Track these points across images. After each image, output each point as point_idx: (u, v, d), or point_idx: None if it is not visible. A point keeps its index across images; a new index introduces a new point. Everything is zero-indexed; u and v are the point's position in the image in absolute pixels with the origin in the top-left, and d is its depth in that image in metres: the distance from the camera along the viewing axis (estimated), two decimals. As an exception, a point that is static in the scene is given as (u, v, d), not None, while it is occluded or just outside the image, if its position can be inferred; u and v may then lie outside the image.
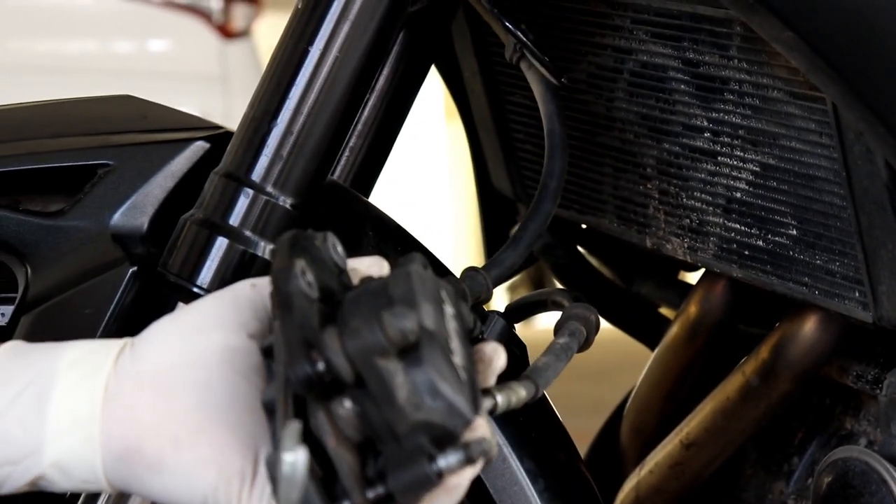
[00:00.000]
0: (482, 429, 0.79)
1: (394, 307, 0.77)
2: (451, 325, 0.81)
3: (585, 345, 0.95)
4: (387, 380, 0.76)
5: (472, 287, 0.94)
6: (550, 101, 1.07)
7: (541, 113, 1.06)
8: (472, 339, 0.85)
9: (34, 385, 0.82)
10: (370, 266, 0.86)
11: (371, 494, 0.76)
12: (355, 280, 0.84)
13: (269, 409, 0.78)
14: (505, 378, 0.87)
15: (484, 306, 1.04)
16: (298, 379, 0.75)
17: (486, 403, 0.83)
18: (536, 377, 0.89)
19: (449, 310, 0.82)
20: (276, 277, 0.79)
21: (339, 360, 0.75)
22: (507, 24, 1.08)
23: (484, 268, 0.98)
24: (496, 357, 0.85)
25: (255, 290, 0.85)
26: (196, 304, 0.84)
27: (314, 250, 0.82)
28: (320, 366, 0.75)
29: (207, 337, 0.82)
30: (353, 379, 0.76)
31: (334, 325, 0.78)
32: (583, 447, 1.47)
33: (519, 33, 1.07)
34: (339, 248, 0.84)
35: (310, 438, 0.76)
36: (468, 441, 0.77)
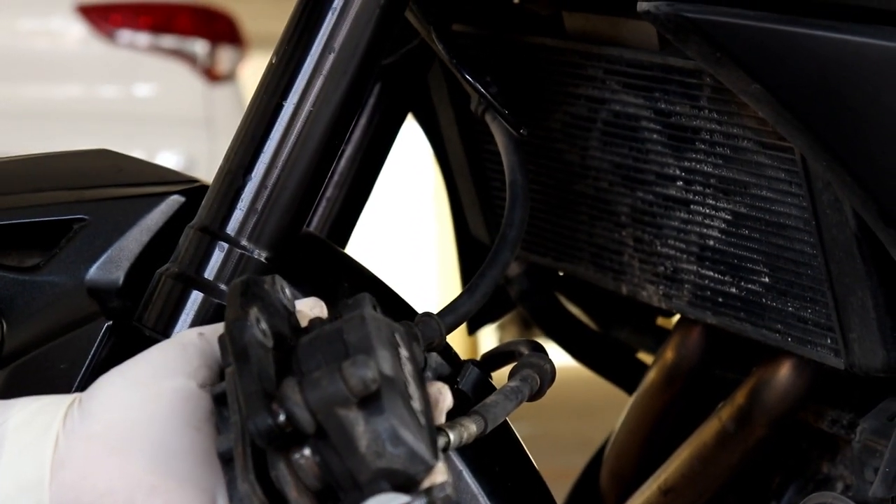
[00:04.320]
0: (442, 473, 0.79)
1: (352, 355, 0.77)
2: (408, 369, 0.81)
3: (538, 393, 0.95)
4: (348, 430, 0.76)
5: (426, 332, 0.94)
6: (513, 152, 1.07)
7: (503, 164, 1.06)
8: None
9: None
10: (312, 307, 0.86)
11: None
12: (303, 322, 0.84)
13: (225, 459, 0.78)
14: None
15: (460, 355, 1.05)
16: (259, 431, 0.75)
17: (440, 442, 0.84)
18: (485, 412, 0.89)
19: (404, 353, 0.82)
20: (231, 328, 0.79)
21: (301, 411, 0.75)
22: (468, 77, 1.08)
23: (439, 314, 0.98)
24: (441, 398, 0.85)
25: (202, 339, 0.83)
26: (143, 356, 0.83)
27: (265, 295, 0.82)
28: (281, 418, 0.75)
29: (156, 389, 0.81)
30: (314, 430, 0.76)
31: (293, 375, 0.78)
32: (570, 486, 1.47)
33: (479, 86, 1.08)
34: (288, 291, 0.84)
35: (268, 487, 0.76)
36: (430, 486, 0.77)
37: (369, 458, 0.76)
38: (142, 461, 0.80)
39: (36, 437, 0.81)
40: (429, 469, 0.78)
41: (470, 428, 0.87)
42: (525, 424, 1.09)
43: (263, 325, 0.79)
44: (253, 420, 0.75)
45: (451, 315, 1.00)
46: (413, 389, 0.81)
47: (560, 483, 1.14)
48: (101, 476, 0.80)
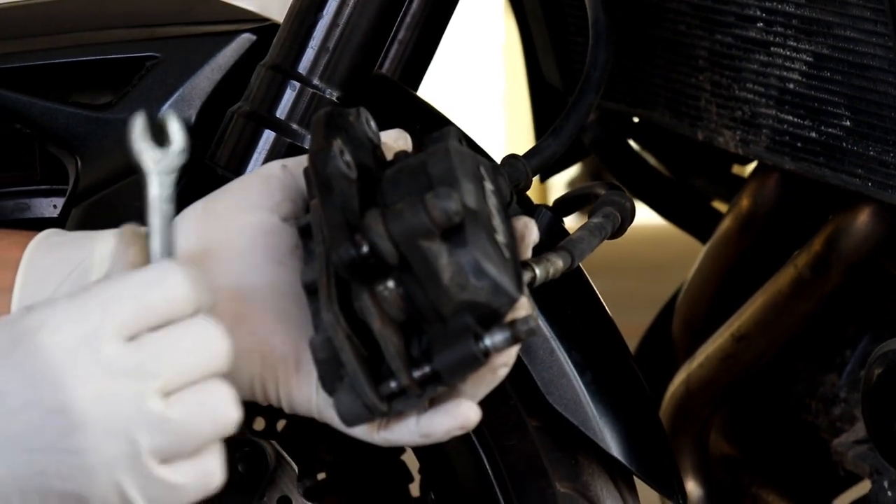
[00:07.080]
0: (526, 307, 0.79)
1: (435, 187, 0.76)
2: (492, 202, 0.81)
3: (620, 230, 0.94)
4: (432, 261, 0.75)
5: (512, 174, 0.93)
6: None
7: (586, 2, 1.04)
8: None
9: (68, 282, 0.80)
10: (396, 139, 0.84)
11: (417, 374, 0.76)
12: (388, 155, 0.83)
13: (310, 290, 0.78)
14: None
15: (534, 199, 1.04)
16: (343, 262, 0.75)
17: (526, 276, 0.83)
18: (571, 248, 0.89)
19: (489, 186, 0.81)
20: (315, 159, 0.79)
21: (384, 242, 0.75)
22: None
23: (524, 155, 0.97)
24: (528, 232, 0.84)
25: (285, 172, 0.82)
26: (226, 189, 0.83)
27: (349, 127, 0.81)
28: (364, 248, 0.75)
29: (238, 224, 0.81)
30: (397, 261, 0.76)
31: (376, 206, 0.77)
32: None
33: None
34: (373, 124, 0.83)
35: (351, 319, 0.76)
36: (514, 319, 0.77)
37: (452, 291, 0.76)
38: (225, 292, 0.79)
39: (123, 269, 0.80)
40: (512, 302, 0.77)
41: (556, 263, 0.86)
42: (595, 281, 1.08)
43: (347, 157, 0.79)
44: (336, 251, 0.75)
45: (537, 157, 0.99)
46: (497, 223, 0.80)
47: (629, 339, 1.14)
48: None
